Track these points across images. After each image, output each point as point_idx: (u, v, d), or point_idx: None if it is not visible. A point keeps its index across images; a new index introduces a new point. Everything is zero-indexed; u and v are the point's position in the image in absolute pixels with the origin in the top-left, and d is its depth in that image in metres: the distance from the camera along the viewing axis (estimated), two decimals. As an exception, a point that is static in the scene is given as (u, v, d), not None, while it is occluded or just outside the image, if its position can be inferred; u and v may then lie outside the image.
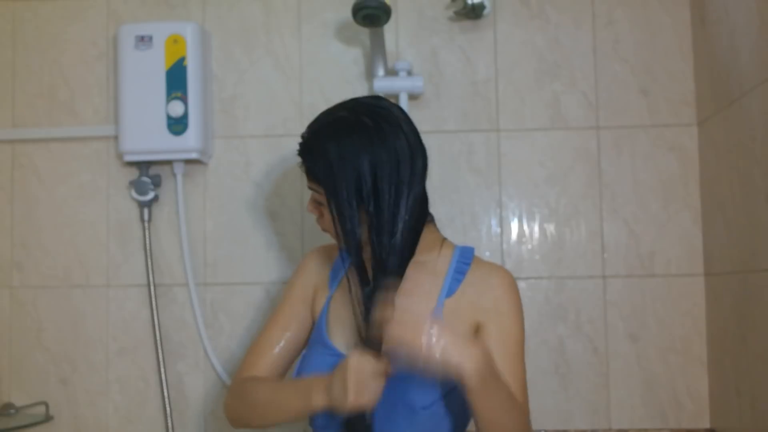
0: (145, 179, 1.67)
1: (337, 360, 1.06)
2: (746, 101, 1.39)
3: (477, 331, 1.11)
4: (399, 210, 1.08)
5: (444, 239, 1.21)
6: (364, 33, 1.67)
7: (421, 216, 1.14)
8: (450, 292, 1.13)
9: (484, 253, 1.64)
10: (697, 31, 1.63)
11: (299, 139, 1.16)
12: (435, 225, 1.20)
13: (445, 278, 1.15)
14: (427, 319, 0.96)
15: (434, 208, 1.22)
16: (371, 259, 1.10)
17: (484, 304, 1.12)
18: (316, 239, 1.66)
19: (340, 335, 1.16)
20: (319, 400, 1.04)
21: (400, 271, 1.09)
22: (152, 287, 1.67)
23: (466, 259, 1.17)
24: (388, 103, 1.15)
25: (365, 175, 1.07)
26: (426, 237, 1.15)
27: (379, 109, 1.12)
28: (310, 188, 1.15)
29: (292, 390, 1.11)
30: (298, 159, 1.16)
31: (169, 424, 1.65)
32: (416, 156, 1.11)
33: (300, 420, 1.13)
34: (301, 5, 1.73)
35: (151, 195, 1.67)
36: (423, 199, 1.15)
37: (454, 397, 1.08)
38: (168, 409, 1.66)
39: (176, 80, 1.62)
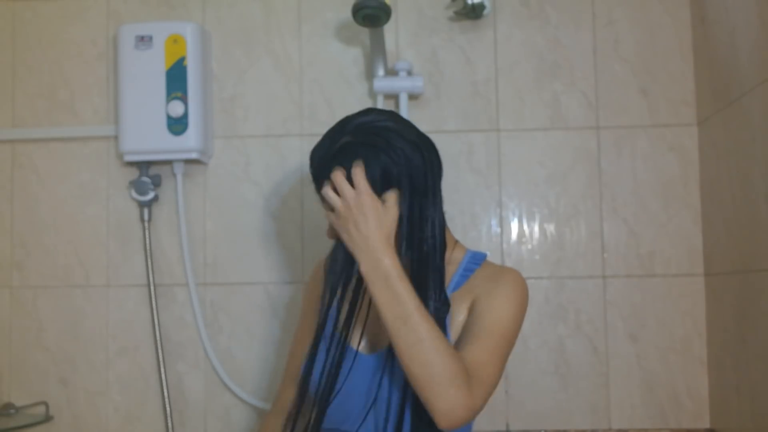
0: (145, 179, 1.67)
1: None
2: (746, 101, 1.39)
3: (471, 307, 1.11)
4: (436, 210, 1.10)
5: (456, 241, 1.22)
6: (364, 33, 1.67)
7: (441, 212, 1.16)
8: (456, 287, 1.15)
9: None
10: (697, 30, 1.63)
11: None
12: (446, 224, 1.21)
13: (453, 275, 1.16)
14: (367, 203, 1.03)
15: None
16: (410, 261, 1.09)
17: (483, 289, 1.12)
18: (316, 239, 1.67)
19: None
20: None
21: (442, 266, 1.10)
22: (152, 287, 1.67)
23: (477, 260, 1.19)
24: (378, 115, 1.14)
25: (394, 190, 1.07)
26: None
27: (379, 123, 1.11)
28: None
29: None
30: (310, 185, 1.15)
31: (169, 424, 1.65)
32: (431, 155, 1.12)
33: None
34: (301, 5, 1.73)
35: (151, 195, 1.67)
36: (441, 198, 1.16)
37: None
38: (168, 409, 1.66)
39: (176, 80, 1.62)
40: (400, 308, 1.00)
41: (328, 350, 1.09)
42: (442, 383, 0.97)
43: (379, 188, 1.06)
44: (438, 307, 1.08)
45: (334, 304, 1.10)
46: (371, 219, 1.03)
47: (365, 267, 1.02)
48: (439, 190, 1.13)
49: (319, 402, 1.07)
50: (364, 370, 1.11)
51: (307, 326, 1.28)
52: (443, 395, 0.97)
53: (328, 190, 1.06)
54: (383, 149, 1.06)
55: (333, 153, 1.09)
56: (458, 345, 1.07)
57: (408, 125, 1.13)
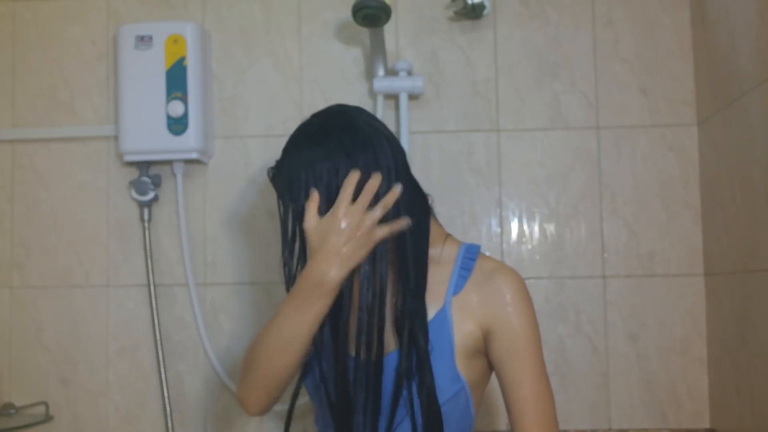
0: (145, 179, 1.67)
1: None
2: (746, 101, 1.39)
3: (487, 336, 1.10)
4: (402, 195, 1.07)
5: (448, 235, 1.19)
6: (364, 33, 1.67)
7: (424, 207, 1.14)
8: (457, 289, 1.12)
9: (484, 253, 1.64)
10: (697, 31, 1.63)
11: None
12: (436, 219, 1.19)
13: (452, 275, 1.13)
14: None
15: (434, 207, 1.22)
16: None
17: (492, 308, 1.09)
18: (316, 239, 1.66)
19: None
20: (313, 291, 1.03)
21: (419, 254, 1.09)
22: (152, 287, 1.67)
23: (471, 254, 1.15)
24: (338, 107, 1.13)
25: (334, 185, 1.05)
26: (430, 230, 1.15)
27: (330, 115, 1.11)
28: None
29: (283, 311, 1.06)
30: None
31: (169, 424, 1.65)
32: (377, 148, 1.08)
33: (309, 336, 1.05)
34: (301, 5, 1.73)
35: (151, 195, 1.67)
36: (416, 191, 1.14)
37: (460, 398, 1.08)
38: (168, 409, 1.66)
39: (176, 80, 1.62)
40: None
41: (336, 359, 1.07)
42: None
43: (321, 180, 1.05)
44: (411, 309, 1.07)
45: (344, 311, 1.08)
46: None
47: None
48: (401, 175, 1.09)
49: (342, 415, 1.07)
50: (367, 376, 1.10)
51: None
52: None
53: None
54: (319, 143, 1.07)
55: (289, 144, 1.11)
56: (505, 380, 1.07)
57: (355, 124, 1.10)
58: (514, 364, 1.07)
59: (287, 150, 1.11)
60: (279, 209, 1.10)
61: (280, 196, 1.10)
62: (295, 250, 1.09)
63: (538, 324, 1.11)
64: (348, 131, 1.08)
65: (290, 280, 1.10)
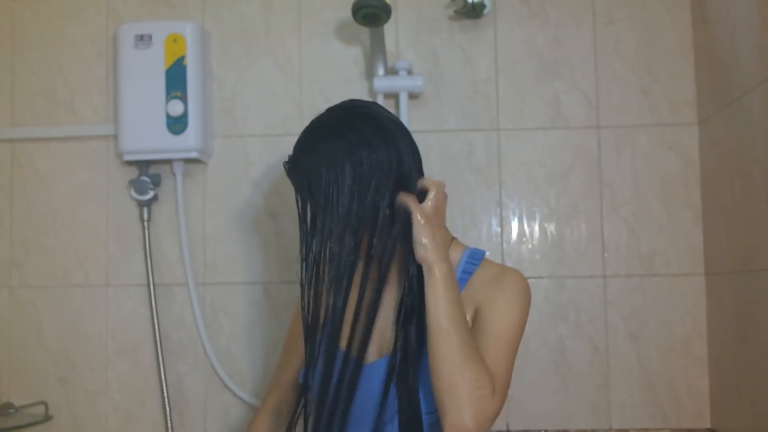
0: (145, 179, 1.67)
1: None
2: (747, 101, 1.39)
3: (475, 315, 1.09)
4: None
5: (453, 238, 1.19)
6: (364, 32, 1.67)
7: None
8: None
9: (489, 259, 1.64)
10: (698, 30, 1.63)
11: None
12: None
13: None
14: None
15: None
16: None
17: (486, 292, 1.09)
18: (316, 239, 1.66)
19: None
20: None
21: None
22: (152, 287, 1.67)
23: (475, 260, 1.15)
24: (352, 102, 1.13)
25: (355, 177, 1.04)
26: None
27: (348, 108, 1.11)
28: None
29: None
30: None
31: (169, 424, 1.65)
32: (399, 142, 1.08)
33: None
34: (301, 5, 1.73)
35: (150, 194, 1.67)
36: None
37: None
38: (168, 409, 1.65)
39: (176, 79, 1.61)
40: (456, 311, 1.01)
41: (330, 358, 1.07)
42: (463, 396, 0.97)
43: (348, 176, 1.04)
44: (409, 309, 1.06)
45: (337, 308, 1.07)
46: (443, 220, 1.07)
47: (443, 271, 1.02)
48: (418, 172, 1.10)
49: (339, 413, 1.06)
50: (369, 376, 1.09)
51: (299, 333, 1.24)
52: (461, 408, 0.96)
53: (410, 198, 1.05)
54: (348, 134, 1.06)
55: (307, 136, 1.09)
56: None
57: (379, 121, 1.10)
58: (488, 339, 1.05)
59: (305, 144, 1.08)
60: (297, 204, 1.09)
61: (298, 191, 1.09)
62: (312, 246, 1.06)
63: (523, 326, 1.09)
64: (370, 124, 1.07)
65: (306, 276, 1.08)
